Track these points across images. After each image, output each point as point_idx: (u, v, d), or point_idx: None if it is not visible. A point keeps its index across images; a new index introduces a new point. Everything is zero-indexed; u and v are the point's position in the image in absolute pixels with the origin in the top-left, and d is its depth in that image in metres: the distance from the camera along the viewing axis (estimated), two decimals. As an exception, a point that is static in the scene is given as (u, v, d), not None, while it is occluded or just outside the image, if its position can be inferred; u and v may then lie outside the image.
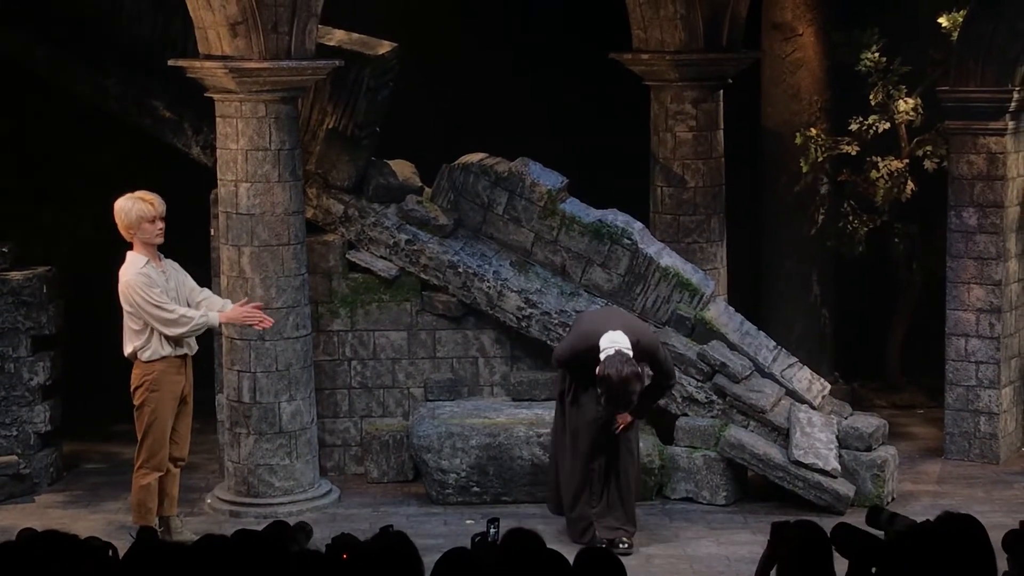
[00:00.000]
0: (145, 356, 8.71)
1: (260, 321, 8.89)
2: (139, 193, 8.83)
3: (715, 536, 9.13)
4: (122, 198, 8.82)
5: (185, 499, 9.84)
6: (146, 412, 8.75)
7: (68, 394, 10.55)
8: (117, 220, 8.77)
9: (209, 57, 9.35)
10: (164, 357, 8.70)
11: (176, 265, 8.96)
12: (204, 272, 10.39)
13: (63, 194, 11.96)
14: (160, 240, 8.78)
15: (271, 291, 9.44)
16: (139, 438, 8.85)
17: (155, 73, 10.36)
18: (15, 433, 10.02)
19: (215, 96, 9.43)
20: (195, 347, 8.91)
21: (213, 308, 8.87)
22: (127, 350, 8.80)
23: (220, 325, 9.06)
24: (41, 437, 10.15)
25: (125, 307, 8.73)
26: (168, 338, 8.69)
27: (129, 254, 8.79)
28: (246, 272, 9.44)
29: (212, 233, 10.18)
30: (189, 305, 8.83)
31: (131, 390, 8.82)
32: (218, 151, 9.56)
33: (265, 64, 9.17)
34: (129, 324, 8.75)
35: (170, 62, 9.61)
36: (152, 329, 8.66)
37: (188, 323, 8.67)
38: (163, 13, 10.49)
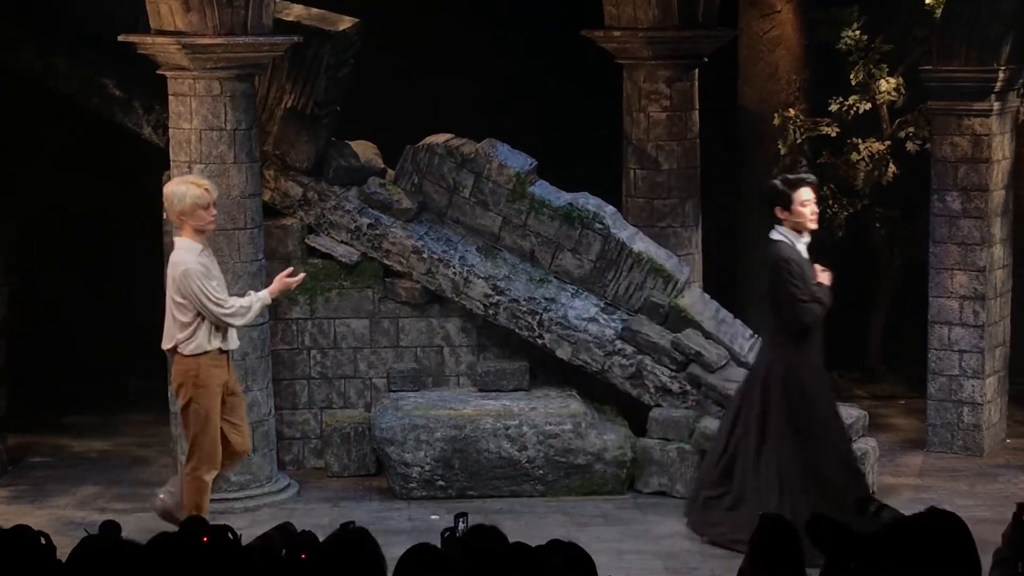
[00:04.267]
0: (188, 350, 8.38)
1: (296, 279, 8.74)
2: (190, 178, 8.63)
3: (688, 531, 9.15)
4: (172, 182, 8.62)
5: (137, 494, 9.81)
6: (195, 410, 8.44)
7: (13, 384, 10.49)
8: (168, 205, 8.47)
9: (161, 32, 9.29)
10: (207, 352, 8.39)
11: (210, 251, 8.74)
12: (158, 256, 10.35)
13: (7, 178, 11.88)
14: (212, 227, 8.53)
15: (227, 277, 9.37)
16: (190, 437, 8.53)
17: (106, 50, 10.28)
18: (-42, 426, 9.97)
19: (167, 73, 9.37)
20: (237, 342, 8.64)
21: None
22: (167, 344, 8.48)
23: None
24: (-15, 430, 10.11)
25: (175, 297, 8.37)
26: (215, 332, 8.39)
27: (178, 240, 8.49)
28: (201, 257, 9.38)
29: (164, 216, 10.11)
30: None
31: (175, 388, 8.57)
32: (171, 131, 9.50)
33: (220, 40, 9.12)
34: (177, 316, 8.38)
35: (120, 38, 9.54)
36: (199, 322, 8.35)
37: (246, 313, 8.40)
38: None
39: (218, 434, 8.53)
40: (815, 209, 8.64)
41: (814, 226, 8.66)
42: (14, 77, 11.07)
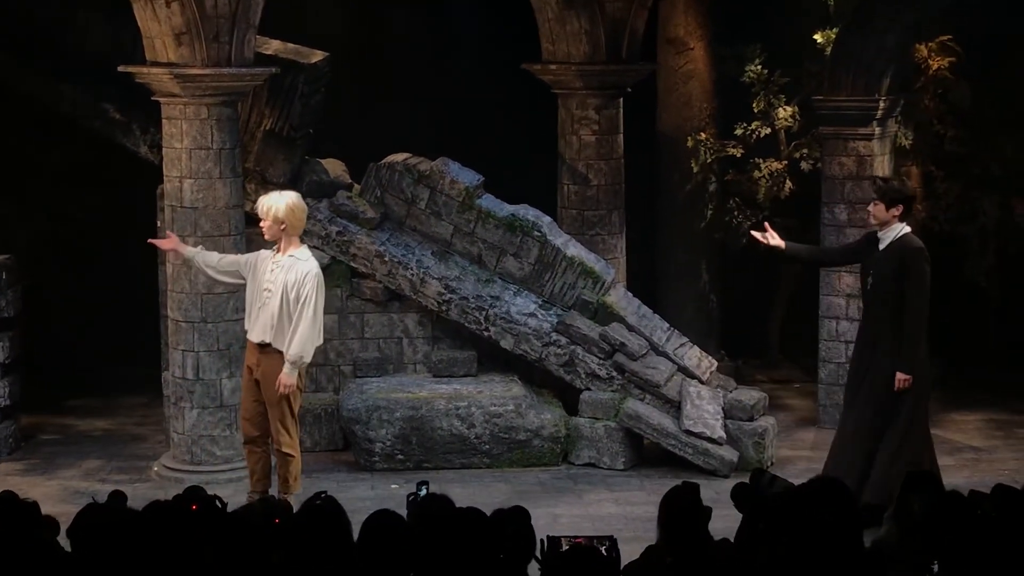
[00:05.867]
0: None
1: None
2: (273, 193, 8.50)
3: (614, 497, 9.17)
4: None
5: (134, 467, 9.73)
6: None
7: (26, 371, 10.36)
8: None
9: (156, 64, 9.20)
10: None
11: (306, 272, 8.22)
12: (152, 259, 10.27)
13: (20, 189, 11.75)
14: (265, 237, 8.40)
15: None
16: None
17: (106, 79, 10.18)
18: (-24, 408, 9.84)
19: (161, 100, 9.28)
20: (259, 335, 8.27)
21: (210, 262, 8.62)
22: None
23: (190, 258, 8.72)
24: (1, 411, 9.96)
25: None
26: (248, 318, 8.39)
27: None
28: (190, 260, 9.30)
29: (159, 224, 10.04)
30: (290, 313, 8.24)
31: None
32: (164, 150, 9.41)
33: (207, 71, 9.04)
34: None
35: (120, 68, 9.44)
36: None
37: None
38: (113, 24, 10.31)
39: (243, 405, 8.54)
40: (869, 210, 8.67)
41: (871, 221, 8.66)
42: (25, 102, 10.94)
